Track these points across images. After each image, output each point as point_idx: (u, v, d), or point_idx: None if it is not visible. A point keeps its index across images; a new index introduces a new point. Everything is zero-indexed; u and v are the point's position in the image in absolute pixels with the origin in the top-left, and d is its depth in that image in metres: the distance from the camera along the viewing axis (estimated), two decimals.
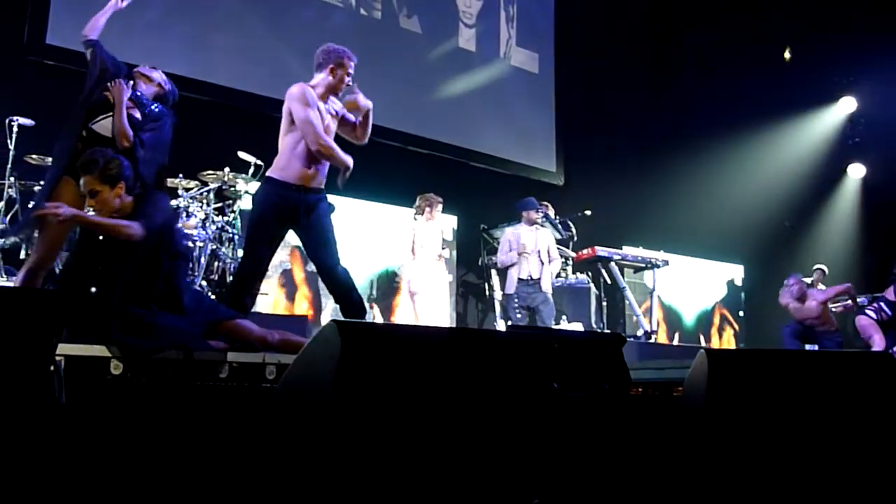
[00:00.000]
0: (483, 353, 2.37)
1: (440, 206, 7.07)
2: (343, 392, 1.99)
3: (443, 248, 7.12)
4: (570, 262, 8.17)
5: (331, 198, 4.30)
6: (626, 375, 2.94)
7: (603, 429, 2.72)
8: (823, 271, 9.07)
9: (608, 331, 8.20)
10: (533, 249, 7.07)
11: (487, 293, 8.51)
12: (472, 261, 8.84)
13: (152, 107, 4.29)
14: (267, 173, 4.26)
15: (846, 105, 11.31)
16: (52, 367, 2.24)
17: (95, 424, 2.44)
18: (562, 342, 2.68)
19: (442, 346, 2.26)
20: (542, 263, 7.07)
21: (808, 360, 3.06)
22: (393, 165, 8.09)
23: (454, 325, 8.60)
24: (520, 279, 7.01)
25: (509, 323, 7.10)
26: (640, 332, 8.10)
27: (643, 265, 8.59)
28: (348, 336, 2.03)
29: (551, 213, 8.21)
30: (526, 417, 2.44)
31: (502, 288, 7.95)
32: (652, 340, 7.98)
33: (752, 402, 2.59)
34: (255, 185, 6.52)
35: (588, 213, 8.47)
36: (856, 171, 11.50)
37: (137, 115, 4.17)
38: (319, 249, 4.21)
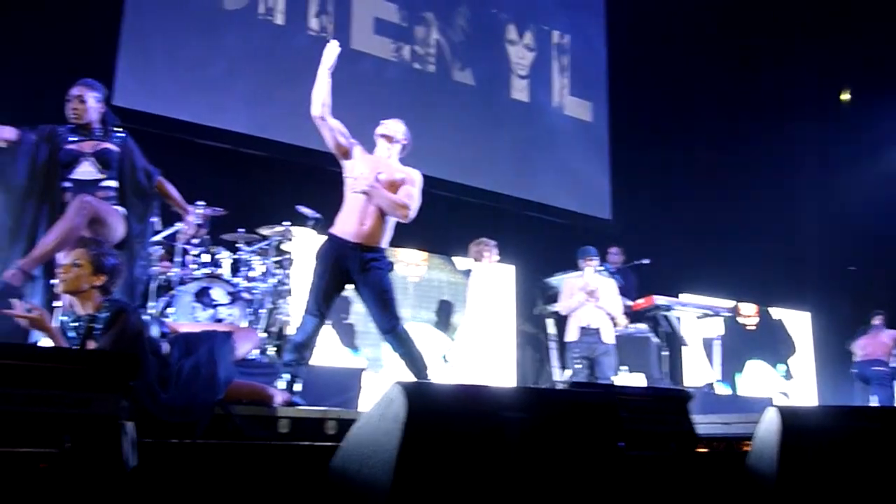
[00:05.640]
0: (547, 413, 2.33)
1: (496, 249, 6.95)
2: (410, 454, 1.97)
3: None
4: (629, 312, 8.03)
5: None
6: (693, 434, 2.86)
7: (669, 489, 2.66)
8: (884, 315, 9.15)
9: (670, 382, 8.01)
10: (593, 297, 6.87)
11: (545, 342, 8.41)
12: (530, 310, 8.77)
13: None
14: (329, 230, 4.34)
15: None
16: (120, 429, 2.24)
17: (158, 486, 2.44)
18: (627, 400, 2.63)
19: (506, 407, 2.23)
20: (602, 312, 6.86)
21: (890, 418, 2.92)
22: (448, 217, 8.10)
23: (515, 374, 8.52)
24: (581, 327, 6.81)
25: (569, 371, 6.92)
26: (702, 383, 7.90)
27: (704, 313, 8.41)
28: (414, 397, 2.02)
29: (621, 259, 8.18)
30: (591, 478, 2.39)
31: (561, 336, 7.82)
32: (715, 391, 7.77)
33: (830, 468, 2.48)
34: (313, 239, 6.62)
35: (646, 262, 8.35)
36: None
37: None
38: (375, 310, 4.23)
